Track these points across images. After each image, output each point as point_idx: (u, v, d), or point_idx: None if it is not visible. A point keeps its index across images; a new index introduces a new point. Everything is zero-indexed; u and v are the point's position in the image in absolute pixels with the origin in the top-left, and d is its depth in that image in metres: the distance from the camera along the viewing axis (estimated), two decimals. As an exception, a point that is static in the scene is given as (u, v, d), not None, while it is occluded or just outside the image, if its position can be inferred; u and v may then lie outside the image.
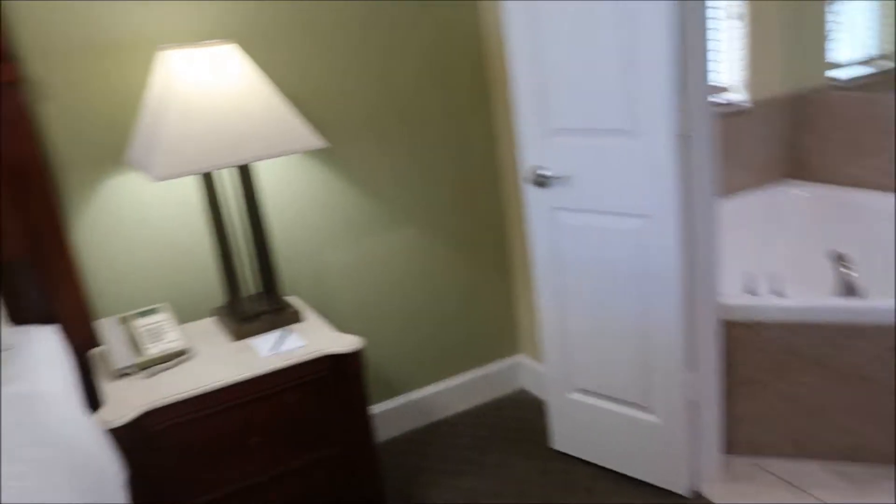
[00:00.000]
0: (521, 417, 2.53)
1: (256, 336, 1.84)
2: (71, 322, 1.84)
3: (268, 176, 2.07)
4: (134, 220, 1.94)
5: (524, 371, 2.69)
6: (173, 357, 1.74)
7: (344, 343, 1.77)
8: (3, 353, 1.58)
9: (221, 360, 1.74)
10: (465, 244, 2.47)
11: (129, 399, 1.60)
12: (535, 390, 2.66)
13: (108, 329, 1.80)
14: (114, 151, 1.87)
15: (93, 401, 1.74)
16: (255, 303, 1.92)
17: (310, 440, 1.78)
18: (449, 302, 2.49)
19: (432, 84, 2.26)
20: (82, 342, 1.85)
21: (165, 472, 1.62)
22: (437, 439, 2.45)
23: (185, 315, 2.03)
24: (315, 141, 1.73)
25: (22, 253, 1.77)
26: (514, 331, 2.67)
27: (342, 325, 2.30)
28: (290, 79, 2.04)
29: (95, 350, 1.85)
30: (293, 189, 2.12)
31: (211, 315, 2.05)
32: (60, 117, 1.80)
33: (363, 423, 1.83)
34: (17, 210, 1.74)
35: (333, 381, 1.77)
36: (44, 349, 1.65)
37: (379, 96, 2.18)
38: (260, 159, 1.65)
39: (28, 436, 1.26)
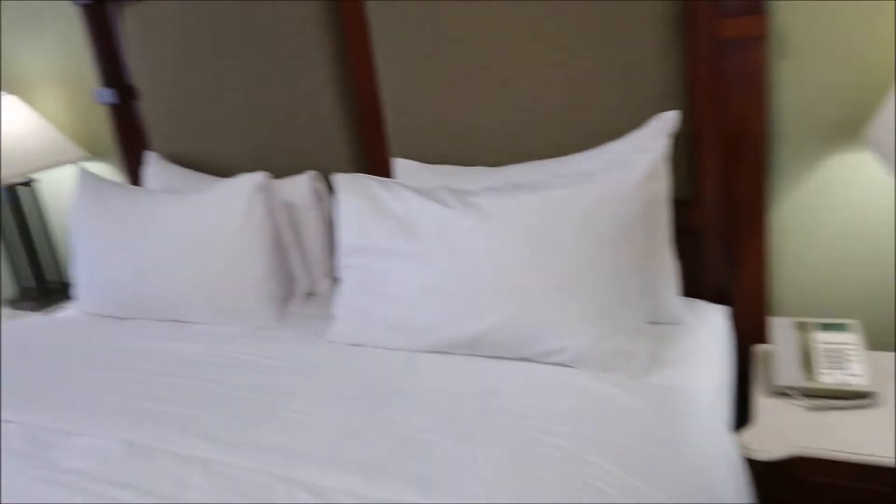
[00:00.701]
0: None
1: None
2: (742, 308, 1.65)
3: None
4: (846, 210, 1.58)
5: None
6: (852, 396, 1.37)
7: None
8: (667, 328, 1.51)
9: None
10: None
11: (783, 430, 1.33)
12: None
13: (779, 330, 1.54)
14: (848, 125, 1.52)
15: (737, 406, 1.53)
16: None
17: None
18: None
19: None
20: (747, 334, 1.64)
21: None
22: None
23: (874, 342, 1.60)
24: None
25: (711, 218, 1.64)
26: None
27: None
28: None
29: (759, 348, 1.62)
30: None
31: (910, 350, 1.57)
32: (795, 77, 1.55)
33: None
34: (721, 172, 1.60)
35: None
36: (709, 334, 1.52)
37: None
38: None
39: (660, 445, 1.13)
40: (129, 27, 2.12)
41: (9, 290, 2.60)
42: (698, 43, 1.55)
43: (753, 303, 1.64)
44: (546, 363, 1.38)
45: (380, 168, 1.93)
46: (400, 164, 1.83)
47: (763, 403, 1.42)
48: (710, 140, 1.61)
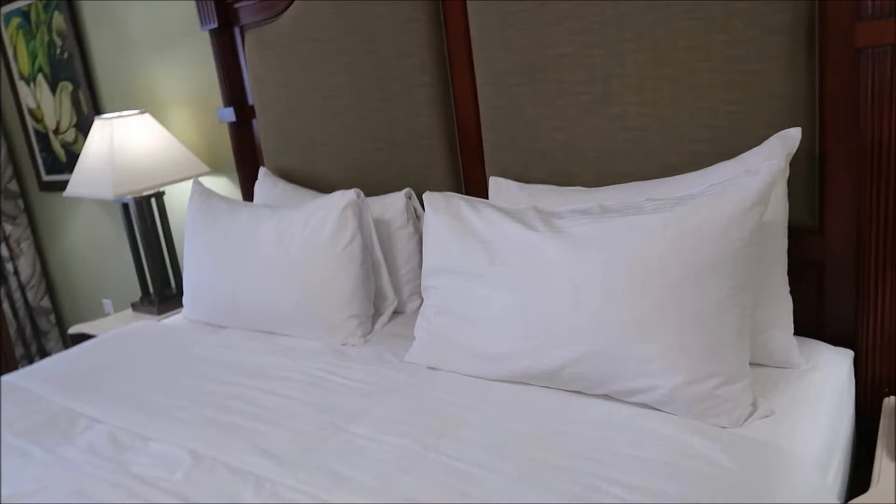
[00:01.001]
0: None
1: None
2: (871, 353, 1.43)
3: None
4: None
5: None
6: None
7: None
8: (776, 371, 1.34)
9: None
10: None
11: (908, 499, 1.13)
12: None
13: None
14: None
15: (855, 467, 1.33)
16: None
17: None
18: None
19: None
20: (876, 384, 1.42)
21: None
22: None
23: None
24: None
25: (839, 250, 1.46)
26: None
27: None
28: None
29: (890, 401, 1.40)
30: None
31: None
32: (945, 90, 1.33)
33: None
34: (852, 199, 1.41)
35: None
36: (826, 381, 1.33)
37: None
38: None
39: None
40: (249, 49, 2.21)
41: (135, 293, 2.80)
42: (829, 51, 1.39)
43: (886, 348, 1.42)
44: (628, 403, 1.26)
45: (476, 186, 1.88)
46: (494, 183, 1.77)
47: (886, 467, 1.21)
48: (841, 162, 1.44)
